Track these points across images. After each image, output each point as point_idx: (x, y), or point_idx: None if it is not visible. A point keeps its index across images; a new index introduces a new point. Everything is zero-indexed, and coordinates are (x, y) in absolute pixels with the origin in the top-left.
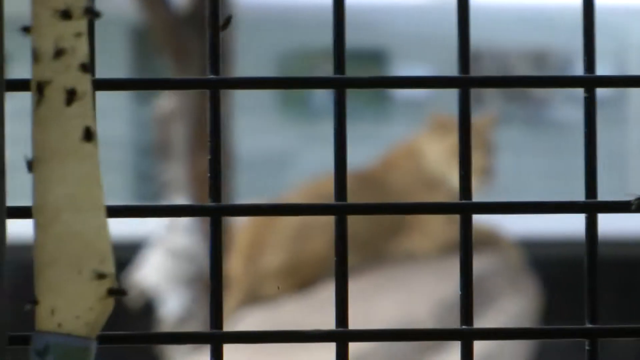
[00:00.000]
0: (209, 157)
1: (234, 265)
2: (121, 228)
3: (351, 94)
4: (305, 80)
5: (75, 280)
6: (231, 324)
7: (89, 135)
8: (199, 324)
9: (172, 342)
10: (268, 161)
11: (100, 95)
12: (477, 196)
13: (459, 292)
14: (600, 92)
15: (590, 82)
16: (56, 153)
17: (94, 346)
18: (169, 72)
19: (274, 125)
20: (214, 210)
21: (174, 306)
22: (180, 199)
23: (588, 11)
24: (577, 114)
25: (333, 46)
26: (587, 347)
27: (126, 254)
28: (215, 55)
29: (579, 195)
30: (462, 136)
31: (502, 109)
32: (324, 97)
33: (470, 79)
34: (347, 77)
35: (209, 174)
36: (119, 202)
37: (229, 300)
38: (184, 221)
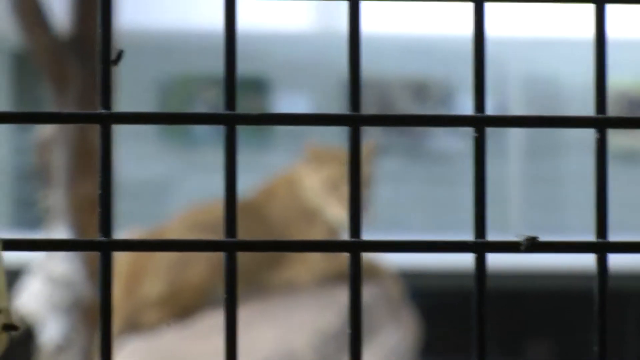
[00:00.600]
0: (99, 191)
1: (114, 292)
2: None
3: None
4: (197, 117)
5: None
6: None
7: None
8: (77, 352)
9: None
10: (148, 188)
11: None
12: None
13: (340, 323)
14: None
15: (480, 121)
16: None
17: None
18: (49, 98)
19: (154, 152)
20: (104, 244)
21: (53, 333)
22: (61, 226)
23: (479, 49)
24: (456, 144)
25: (224, 81)
26: None
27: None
28: (107, 89)
29: (460, 226)
30: (352, 174)
31: (382, 138)
32: (202, 126)
33: (361, 117)
34: (239, 113)
35: (99, 208)
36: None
37: None
38: None
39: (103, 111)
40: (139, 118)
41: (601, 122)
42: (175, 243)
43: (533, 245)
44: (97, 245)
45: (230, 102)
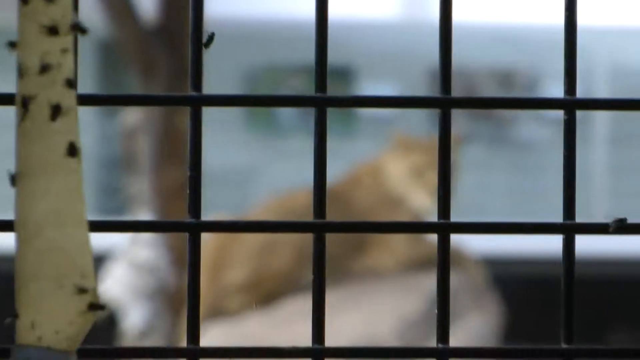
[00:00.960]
0: (188, 173)
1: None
2: None
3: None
4: (287, 99)
5: (57, 295)
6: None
7: (73, 150)
8: (160, 338)
9: (152, 356)
10: (234, 176)
11: None
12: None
13: (423, 309)
14: (559, 113)
15: (571, 104)
16: (40, 168)
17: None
18: (135, 86)
19: (240, 140)
20: (193, 226)
21: (136, 319)
22: (146, 213)
23: (570, 32)
24: (541, 133)
25: (315, 64)
26: None
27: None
28: (198, 72)
29: (545, 214)
30: (442, 157)
31: (467, 127)
32: (289, 113)
33: (451, 99)
34: (329, 95)
35: (188, 190)
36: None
37: None
38: (147, 234)
39: (194, 94)
40: (229, 101)
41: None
42: (263, 224)
43: (622, 228)
44: (186, 226)
45: (321, 84)
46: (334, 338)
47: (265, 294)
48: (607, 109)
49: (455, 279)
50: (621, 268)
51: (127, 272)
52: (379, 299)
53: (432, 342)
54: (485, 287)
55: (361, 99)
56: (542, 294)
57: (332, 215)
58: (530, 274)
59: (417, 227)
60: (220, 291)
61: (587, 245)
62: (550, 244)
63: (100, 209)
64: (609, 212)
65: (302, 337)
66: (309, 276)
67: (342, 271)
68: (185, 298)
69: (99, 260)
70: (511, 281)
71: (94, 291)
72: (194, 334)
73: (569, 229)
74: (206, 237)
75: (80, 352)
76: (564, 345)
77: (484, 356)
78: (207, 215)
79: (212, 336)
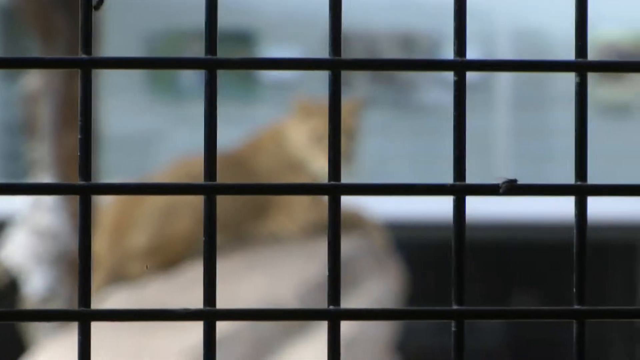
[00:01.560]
0: (79, 136)
1: (99, 244)
2: None
3: (219, 75)
4: (177, 61)
5: None
6: (95, 303)
7: None
8: (62, 303)
9: (40, 319)
10: (136, 141)
11: None
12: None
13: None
14: (469, 76)
15: (460, 65)
16: None
17: None
18: (36, 52)
19: (142, 105)
20: (83, 189)
21: (37, 285)
22: (47, 178)
23: None
24: (444, 97)
25: (205, 26)
26: (453, 329)
27: None
28: (87, 34)
29: (447, 178)
30: (332, 119)
31: (370, 92)
32: (192, 78)
33: (341, 61)
34: (219, 57)
35: (78, 153)
36: None
37: (94, 279)
38: (48, 200)
39: (83, 56)
40: (119, 63)
41: (581, 67)
42: (153, 186)
43: (512, 189)
44: (77, 189)
45: (212, 47)
46: (235, 302)
47: (167, 259)
48: (497, 70)
49: (356, 244)
50: (527, 232)
51: (29, 238)
52: (282, 264)
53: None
54: (387, 251)
55: (251, 61)
56: (444, 258)
57: (233, 180)
58: (432, 238)
59: (309, 189)
60: (121, 256)
61: (498, 208)
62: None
63: (2, 173)
64: (512, 176)
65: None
66: (203, 234)
67: (245, 236)
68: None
69: (1, 227)
70: (413, 245)
71: None
72: (85, 297)
73: (459, 190)
74: (107, 202)
75: None
76: (455, 307)
77: (374, 318)
78: (109, 180)
79: (113, 302)
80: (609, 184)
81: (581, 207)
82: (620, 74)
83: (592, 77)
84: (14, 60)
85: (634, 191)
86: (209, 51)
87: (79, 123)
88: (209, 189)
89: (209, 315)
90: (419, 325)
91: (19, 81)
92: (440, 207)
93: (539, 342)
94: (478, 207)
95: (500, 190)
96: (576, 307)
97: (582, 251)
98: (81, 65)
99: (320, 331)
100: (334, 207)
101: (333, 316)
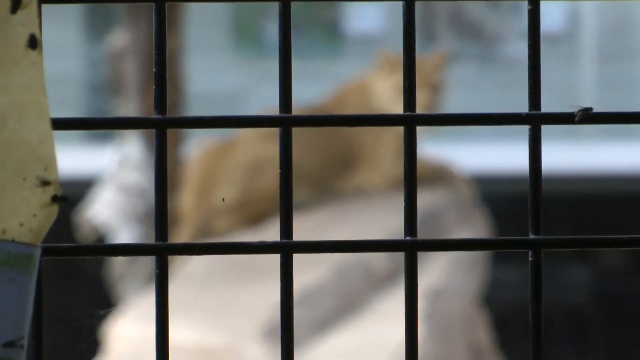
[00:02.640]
0: (154, 69)
1: (186, 200)
2: (73, 164)
3: (304, 31)
4: None
5: (20, 187)
6: (182, 260)
7: (34, 43)
8: (148, 260)
9: (115, 254)
10: (222, 98)
11: (52, 32)
12: (423, 131)
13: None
14: (553, 28)
15: None
16: (1, 61)
17: (38, 253)
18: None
19: (228, 62)
20: (159, 122)
21: (125, 242)
22: (132, 136)
23: None
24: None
25: None
26: (530, 258)
27: (79, 190)
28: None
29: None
30: (406, 45)
31: (455, 46)
32: (276, 35)
33: None
34: None
35: (154, 87)
36: (71, 139)
37: (181, 235)
38: (135, 157)
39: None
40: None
41: None
42: (230, 119)
43: (587, 117)
44: (152, 122)
45: None
46: (322, 256)
47: (254, 214)
48: None
49: (443, 197)
50: (620, 183)
51: (116, 195)
52: (368, 217)
53: (422, 256)
54: (474, 204)
55: None
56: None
57: (318, 133)
58: (518, 191)
59: (383, 121)
60: (209, 212)
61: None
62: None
63: (89, 133)
64: (598, 129)
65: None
66: (299, 195)
67: (332, 191)
68: (176, 219)
69: (88, 184)
70: (500, 199)
71: (57, 183)
72: (162, 231)
73: (534, 118)
74: (193, 159)
75: (47, 251)
76: (531, 236)
77: (452, 248)
78: (196, 139)
79: (199, 258)
80: None
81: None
82: None
83: None
84: None
85: None
86: None
87: (154, 56)
88: (285, 120)
89: (284, 247)
90: (504, 279)
91: (105, 40)
92: (527, 159)
93: (625, 297)
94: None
95: (576, 119)
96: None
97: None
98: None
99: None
100: (410, 138)
101: (410, 247)
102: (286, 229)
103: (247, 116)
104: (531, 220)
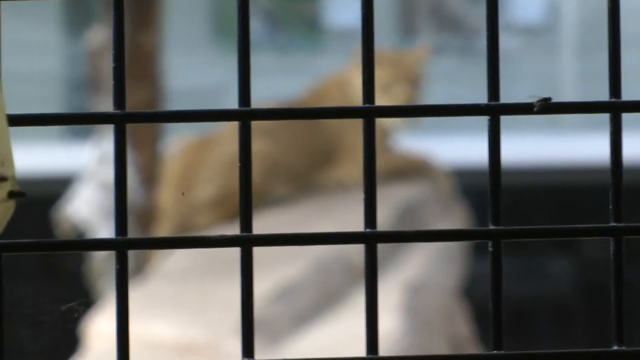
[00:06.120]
0: (112, 65)
1: (165, 196)
2: (52, 162)
3: (284, 25)
4: None
5: None
6: (162, 255)
7: None
8: (131, 256)
9: (74, 249)
10: (202, 95)
11: (31, 30)
12: (403, 126)
13: (393, 220)
14: (533, 21)
15: None
16: None
17: None
18: (98, 6)
19: (208, 58)
20: (118, 117)
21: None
22: (112, 133)
23: None
24: (510, 43)
25: None
26: (490, 248)
27: (58, 187)
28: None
29: (512, 122)
30: (365, 37)
31: (435, 39)
32: (257, 30)
33: None
34: None
35: (113, 82)
36: (50, 136)
37: (160, 232)
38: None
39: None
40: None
41: None
42: (188, 113)
43: (546, 107)
44: (113, 118)
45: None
46: (304, 250)
47: (234, 209)
48: None
49: (423, 190)
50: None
51: (96, 193)
52: (349, 211)
53: (402, 249)
54: (453, 197)
55: None
56: (510, 203)
57: (298, 128)
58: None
59: (344, 112)
60: (188, 208)
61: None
62: (518, 154)
63: (69, 129)
64: (578, 120)
65: (270, 250)
66: (278, 190)
67: (312, 186)
68: (155, 215)
69: (67, 182)
70: (480, 192)
71: (14, 179)
72: (122, 226)
73: (493, 109)
74: (173, 155)
75: (6, 247)
76: (491, 227)
77: (412, 239)
78: (173, 135)
79: (178, 253)
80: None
81: (616, 124)
82: None
83: None
84: None
85: None
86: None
87: (113, 52)
88: (244, 114)
89: (245, 240)
90: (484, 272)
91: (84, 37)
92: (508, 153)
93: (608, 288)
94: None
95: (535, 109)
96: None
97: (618, 170)
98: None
99: (386, 279)
100: (369, 129)
101: (370, 239)
102: (246, 222)
103: (206, 110)
104: (491, 211)
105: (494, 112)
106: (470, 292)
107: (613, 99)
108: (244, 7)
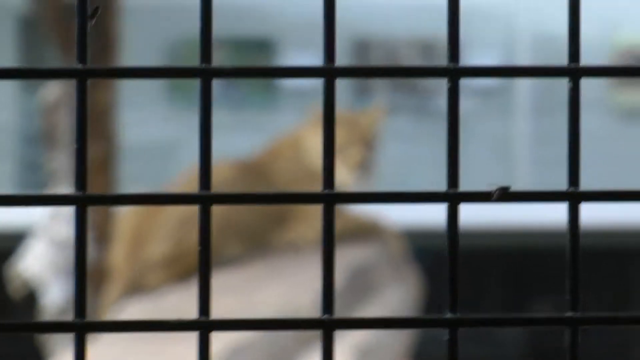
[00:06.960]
0: (75, 145)
1: (117, 254)
2: (5, 217)
3: (238, 83)
4: (174, 70)
5: None
6: (113, 314)
7: None
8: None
9: (37, 331)
10: (156, 150)
11: None
12: (357, 188)
13: (344, 283)
14: (488, 82)
15: (454, 72)
16: None
17: None
18: (56, 61)
19: (162, 114)
20: (79, 199)
21: (56, 296)
22: (66, 189)
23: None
24: (465, 104)
25: (200, 33)
26: (446, 337)
27: (10, 243)
28: (83, 44)
29: (468, 183)
30: (326, 127)
31: (390, 98)
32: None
33: (336, 69)
34: (214, 67)
35: (75, 164)
36: (4, 191)
37: (112, 290)
38: (67, 210)
39: (79, 66)
40: (114, 72)
41: (574, 71)
42: (152, 196)
43: (505, 195)
44: (72, 199)
45: (206, 55)
46: (255, 311)
47: (187, 268)
48: (491, 77)
49: (374, 251)
50: (550, 237)
51: (48, 249)
52: (301, 272)
53: (353, 313)
54: (405, 259)
55: (247, 69)
56: (464, 265)
57: (250, 188)
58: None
59: (303, 198)
60: (140, 267)
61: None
62: (473, 216)
63: (22, 184)
64: (532, 181)
65: (225, 310)
66: (231, 249)
67: (265, 246)
68: (107, 274)
69: (19, 238)
70: (431, 254)
71: None
72: (80, 308)
73: (452, 197)
74: (124, 213)
75: None
76: (448, 315)
77: (370, 327)
78: (128, 189)
79: (131, 312)
80: (601, 190)
81: (573, 214)
82: None
83: (613, 82)
84: (9, 70)
85: (629, 196)
86: (203, 60)
87: (75, 132)
88: (205, 198)
89: (203, 325)
90: (436, 334)
91: (39, 91)
92: (464, 216)
93: (562, 352)
94: (496, 214)
95: (493, 197)
96: (569, 314)
97: (575, 257)
98: (77, 75)
99: (337, 342)
100: (328, 216)
101: (327, 326)
102: (204, 305)
103: (167, 194)
104: (449, 297)
105: (453, 199)
106: (421, 356)
107: (572, 189)
108: (206, 90)
